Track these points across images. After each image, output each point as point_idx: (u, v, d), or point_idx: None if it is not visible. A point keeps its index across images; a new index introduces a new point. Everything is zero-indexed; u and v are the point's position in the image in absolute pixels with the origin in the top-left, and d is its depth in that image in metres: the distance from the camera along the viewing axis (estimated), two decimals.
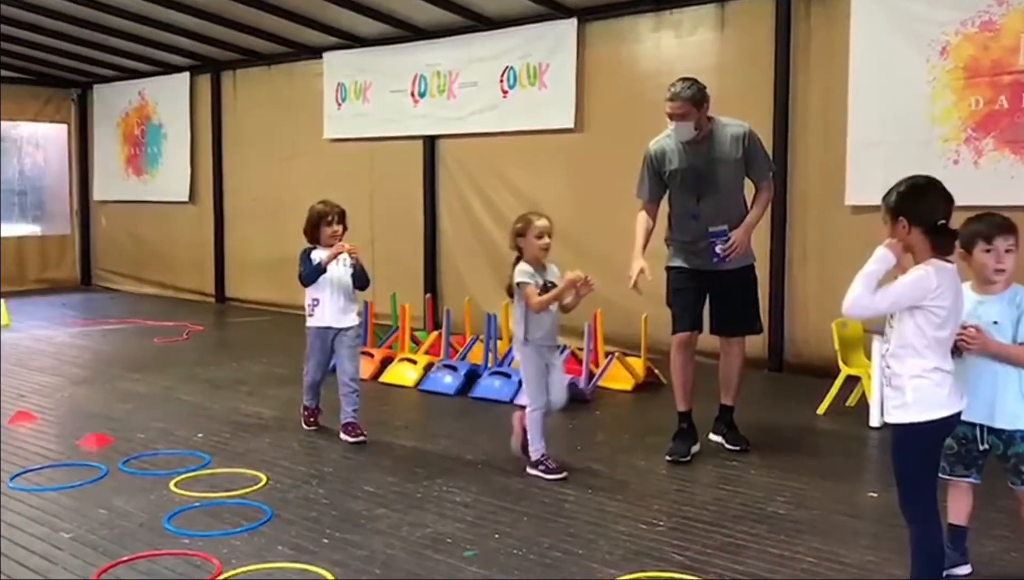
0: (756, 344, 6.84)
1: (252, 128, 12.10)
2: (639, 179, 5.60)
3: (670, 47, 8.33)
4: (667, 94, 5.28)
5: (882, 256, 3.25)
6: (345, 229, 5.91)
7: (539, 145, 9.26)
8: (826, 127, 7.50)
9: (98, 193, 14.49)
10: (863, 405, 6.27)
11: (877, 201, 3.44)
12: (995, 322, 3.52)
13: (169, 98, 13.09)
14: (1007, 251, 3.49)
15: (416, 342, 8.20)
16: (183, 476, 5.01)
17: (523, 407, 5.24)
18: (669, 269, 5.58)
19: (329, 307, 5.85)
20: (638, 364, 7.24)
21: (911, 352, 3.26)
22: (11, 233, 14.00)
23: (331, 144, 11.12)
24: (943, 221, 3.23)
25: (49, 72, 13.69)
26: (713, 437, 5.71)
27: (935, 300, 3.20)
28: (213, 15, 10.11)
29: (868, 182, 6.75)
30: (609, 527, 4.33)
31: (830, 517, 4.48)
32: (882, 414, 5.15)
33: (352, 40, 10.58)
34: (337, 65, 10.93)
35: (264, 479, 4.98)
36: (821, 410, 6.44)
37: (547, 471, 5.03)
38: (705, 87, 5.32)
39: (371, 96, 10.63)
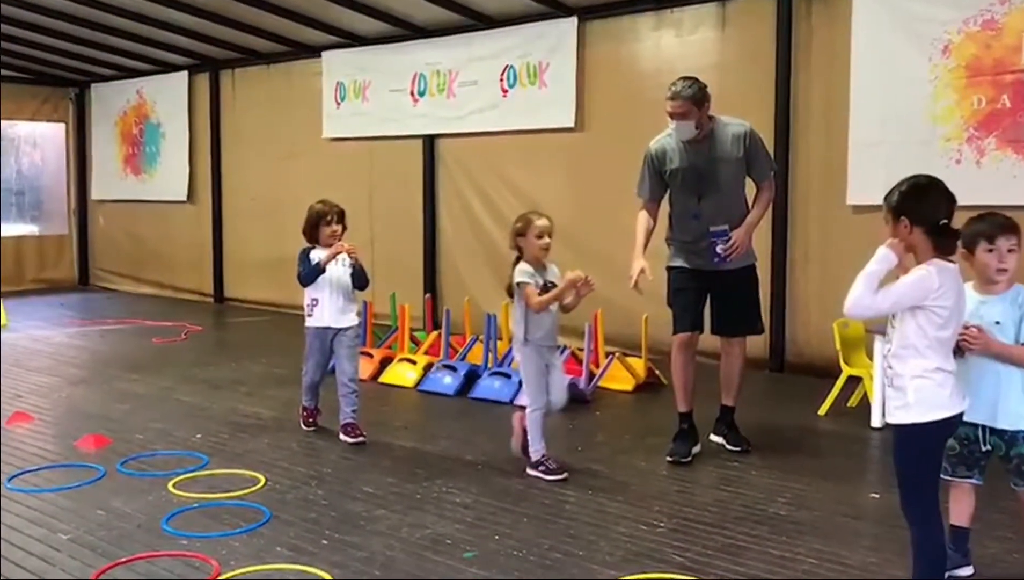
0: (757, 344, 6.84)
1: (251, 127, 12.07)
2: (639, 178, 5.58)
3: (671, 46, 8.31)
4: (668, 93, 5.27)
5: (884, 256, 3.25)
6: (344, 229, 5.90)
7: (539, 144, 9.24)
8: (827, 126, 7.48)
9: (96, 193, 14.46)
10: (865, 406, 6.25)
11: (879, 201, 3.44)
12: (997, 322, 3.50)
13: (167, 97, 13.06)
14: (1009, 251, 3.48)
15: (416, 342, 8.19)
16: (181, 477, 5.00)
17: (523, 408, 5.22)
18: (670, 269, 5.56)
19: (328, 307, 5.83)
20: (639, 364, 7.22)
21: (913, 352, 3.25)
22: (9, 233, 13.97)
23: (330, 143, 11.10)
24: (945, 221, 3.23)
25: (47, 71, 13.66)
26: (714, 438, 5.69)
27: (937, 300, 3.20)
28: (212, 14, 10.09)
29: (870, 182, 6.72)
30: (610, 528, 4.32)
31: (831, 518, 4.46)
32: (884, 415, 5.14)
33: (351, 39, 10.56)
34: (336, 64, 10.91)
35: (263, 480, 4.96)
36: (822, 411, 6.43)
37: (547, 472, 5.02)
38: (706, 86, 5.30)
39: (370, 95, 10.61)
